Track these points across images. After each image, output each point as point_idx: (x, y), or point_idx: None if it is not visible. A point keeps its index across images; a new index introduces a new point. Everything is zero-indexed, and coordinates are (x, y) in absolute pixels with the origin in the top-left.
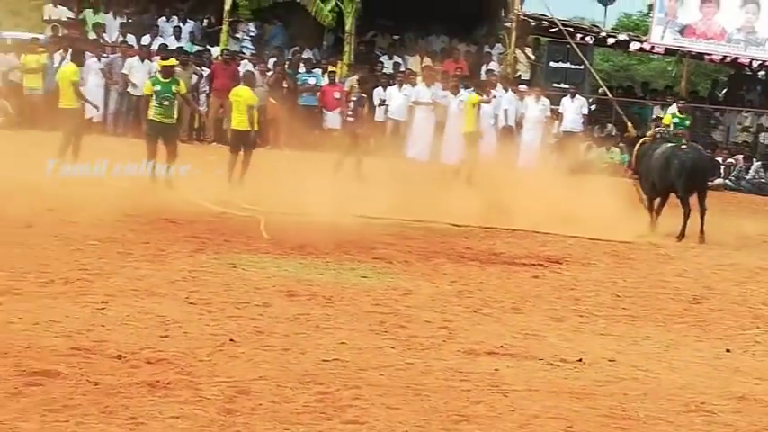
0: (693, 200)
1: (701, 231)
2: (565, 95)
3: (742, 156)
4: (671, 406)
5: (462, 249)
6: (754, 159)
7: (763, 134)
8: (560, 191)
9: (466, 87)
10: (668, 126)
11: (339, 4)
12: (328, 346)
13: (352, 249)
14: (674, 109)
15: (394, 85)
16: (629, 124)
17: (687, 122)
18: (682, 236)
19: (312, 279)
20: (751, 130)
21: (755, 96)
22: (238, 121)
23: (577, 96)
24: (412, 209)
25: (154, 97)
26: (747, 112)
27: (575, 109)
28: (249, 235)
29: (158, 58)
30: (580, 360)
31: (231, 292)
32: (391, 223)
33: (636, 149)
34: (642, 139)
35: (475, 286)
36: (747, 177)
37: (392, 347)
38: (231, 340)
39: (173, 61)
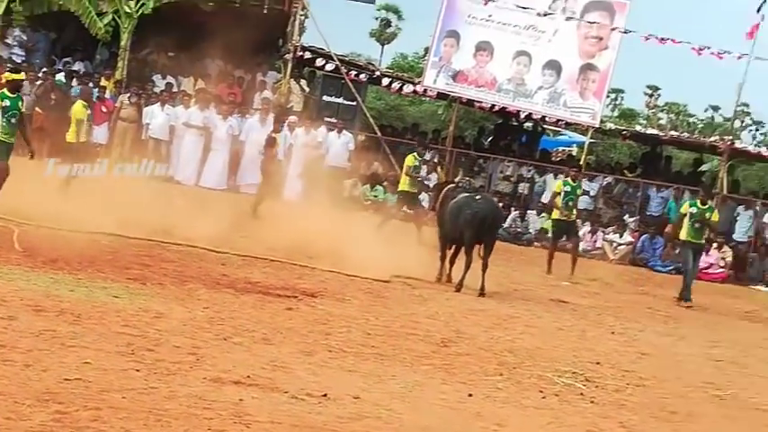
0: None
1: (482, 285)
2: (332, 130)
3: (501, 204)
4: None
5: (218, 276)
6: (512, 208)
7: (522, 184)
8: (322, 225)
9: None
10: (559, 193)
11: (117, 18)
12: (72, 365)
13: (106, 268)
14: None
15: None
16: (440, 169)
17: (579, 191)
18: (460, 286)
19: (62, 295)
20: (512, 179)
21: (518, 147)
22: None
23: (344, 132)
24: (174, 232)
25: (1, 114)
26: (510, 161)
27: (341, 144)
28: (0, 246)
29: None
30: (325, 395)
31: None
32: (150, 244)
33: (441, 194)
34: (448, 186)
35: (228, 314)
36: (504, 226)
37: (137, 370)
38: None
39: (22, 75)
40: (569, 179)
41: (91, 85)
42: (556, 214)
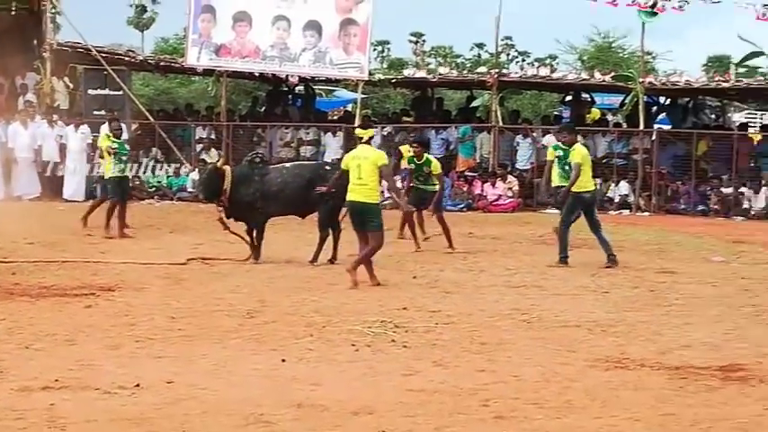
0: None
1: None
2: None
3: None
4: (231, 421)
5: (11, 285)
6: None
7: (303, 147)
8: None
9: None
10: (552, 161)
11: None
12: None
13: None
14: (550, 139)
15: None
16: (221, 153)
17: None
18: (316, 259)
19: None
20: (292, 144)
21: (295, 111)
22: None
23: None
24: None
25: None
26: (288, 127)
27: None
28: None
29: None
30: (137, 385)
31: None
32: None
33: (230, 177)
34: (230, 168)
35: (26, 322)
36: None
37: None
38: None
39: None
40: (559, 142)
41: None
42: None
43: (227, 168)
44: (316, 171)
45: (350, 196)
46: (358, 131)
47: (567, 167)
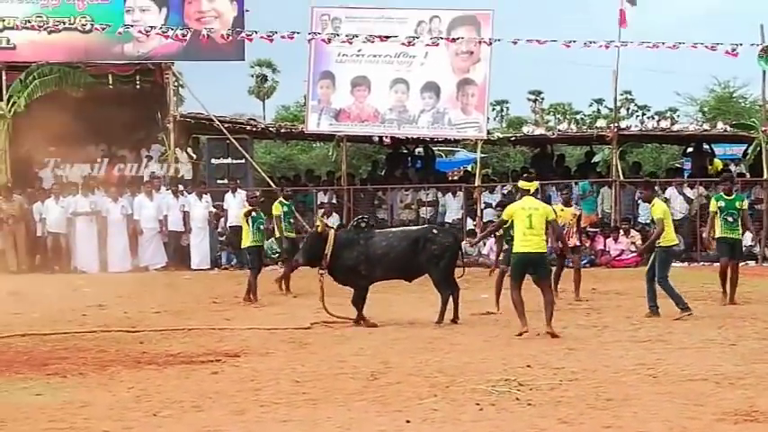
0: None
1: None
2: (227, 191)
3: None
4: None
5: (138, 354)
6: None
7: (423, 209)
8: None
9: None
10: (715, 212)
11: None
12: None
13: (23, 368)
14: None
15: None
16: (320, 218)
17: (738, 203)
18: (441, 319)
19: None
20: (413, 206)
21: (414, 173)
22: None
23: (239, 190)
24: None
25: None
26: (408, 189)
27: (238, 203)
28: None
29: None
30: None
31: None
32: (64, 336)
33: (331, 241)
34: (333, 232)
35: (153, 389)
36: None
37: None
38: None
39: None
40: (722, 193)
41: None
42: None
43: (330, 233)
44: (424, 234)
45: (522, 247)
46: (522, 184)
47: (729, 219)
